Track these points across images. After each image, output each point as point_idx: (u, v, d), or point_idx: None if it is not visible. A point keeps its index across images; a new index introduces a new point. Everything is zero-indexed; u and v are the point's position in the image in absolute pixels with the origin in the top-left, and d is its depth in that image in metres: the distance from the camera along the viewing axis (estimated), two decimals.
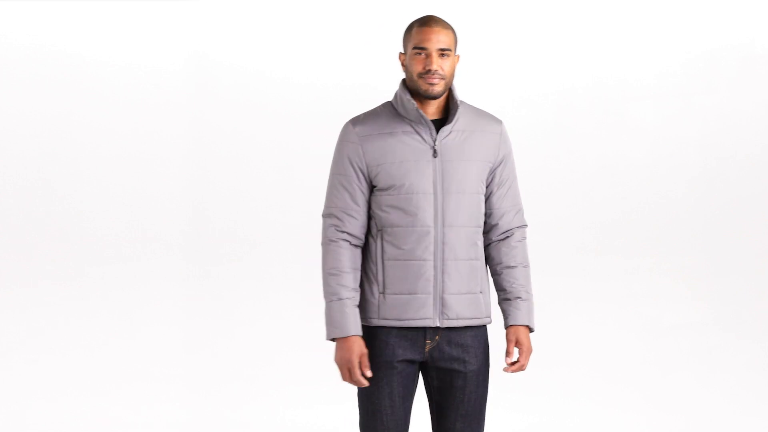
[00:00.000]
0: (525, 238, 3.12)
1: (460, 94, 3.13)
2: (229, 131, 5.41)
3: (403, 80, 3.06)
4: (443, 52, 2.99)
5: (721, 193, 5.51)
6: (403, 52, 3.05)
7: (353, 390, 3.11)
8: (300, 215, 5.39)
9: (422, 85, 2.99)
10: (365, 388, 3.00)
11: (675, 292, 5.47)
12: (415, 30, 3.01)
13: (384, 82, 4.21)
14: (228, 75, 5.40)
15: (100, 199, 5.35)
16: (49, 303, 5.32)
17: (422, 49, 2.98)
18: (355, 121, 3.05)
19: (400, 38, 3.14)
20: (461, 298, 3.01)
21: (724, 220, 5.51)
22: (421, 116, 3.00)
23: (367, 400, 3.03)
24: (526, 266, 3.09)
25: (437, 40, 2.98)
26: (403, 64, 3.05)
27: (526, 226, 3.13)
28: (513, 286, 3.06)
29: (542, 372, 5.31)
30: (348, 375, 2.97)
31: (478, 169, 3.06)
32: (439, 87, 2.99)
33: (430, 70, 2.97)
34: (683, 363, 5.40)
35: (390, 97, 3.12)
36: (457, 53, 3.03)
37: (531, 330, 3.08)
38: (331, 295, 2.98)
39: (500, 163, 3.13)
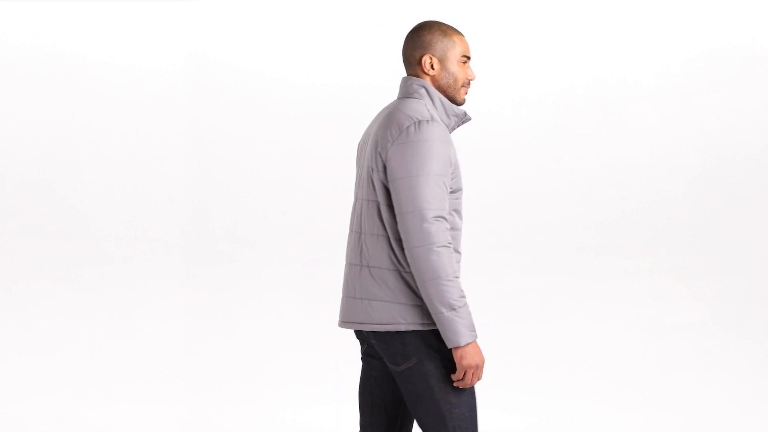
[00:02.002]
0: None
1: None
2: (229, 131, 5.41)
3: (431, 83, 3.01)
4: None
5: (721, 193, 5.51)
6: (434, 55, 3.00)
7: (353, 390, 3.11)
8: (300, 215, 5.40)
9: (462, 94, 3.03)
10: (472, 388, 2.99)
11: (675, 292, 5.47)
12: (457, 37, 3.01)
13: (384, 82, 4.21)
14: (228, 75, 5.40)
15: (100, 199, 5.36)
16: (48, 303, 5.33)
17: (469, 58, 3.03)
18: (439, 122, 2.95)
19: (399, 39, 3.12)
20: None
21: (724, 220, 5.51)
22: (461, 124, 3.06)
23: (472, 398, 3.00)
24: None
25: None
26: (432, 67, 3.00)
27: None
28: None
29: (542, 372, 5.33)
30: (478, 375, 2.94)
31: None
32: None
33: (471, 80, 3.03)
34: (683, 363, 5.41)
35: (389, 96, 3.11)
36: None
37: None
38: (462, 299, 2.87)
39: None
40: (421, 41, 3.00)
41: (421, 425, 2.97)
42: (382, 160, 2.91)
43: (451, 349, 2.91)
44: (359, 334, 3.05)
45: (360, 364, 3.17)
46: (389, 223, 2.92)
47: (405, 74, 3.07)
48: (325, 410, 5.18)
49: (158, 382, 5.26)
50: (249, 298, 5.40)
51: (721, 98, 5.50)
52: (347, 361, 4.40)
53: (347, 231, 3.06)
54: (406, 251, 2.87)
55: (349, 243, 3.02)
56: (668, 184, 5.51)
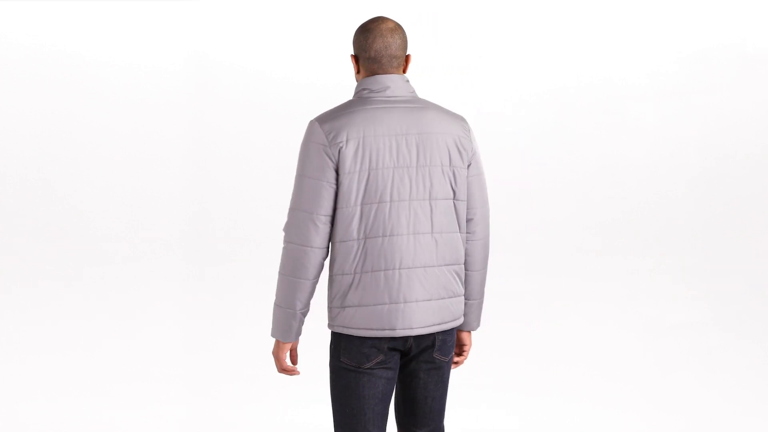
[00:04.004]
0: None
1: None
2: (229, 131, 5.41)
3: None
4: None
5: (721, 193, 5.51)
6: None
7: None
8: None
9: None
10: None
11: (675, 292, 5.47)
12: None
13: None
14: (228, 75, 5.40)
15: (100, 199, 5.35)
16: (48, 303, 5.32)
17: None
18: None
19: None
20: None
21: (724, 220, 5.51)
22: None
23: None
24: None
25: None
26: None
27: None
28: None
29: (542, 372, 5.33)
30: None
31: None
32: None
33: None
34: (683, 363, 5.40)
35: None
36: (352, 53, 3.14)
37: None
38: None
39: None
40: (405, 41, 3.07)
41: (435, 414, 3.05)
42: (468, 157, 2.98)
43: (467, 332, 3.16)
44: (403, 340, 3.01)
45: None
46: (462, 219, 2.99)
47: (388, 71, 3.03)
48: (325, 410, 5.17)
49: (158, 382, 5.26)
50: (249, 298, 5.39)
51: (721, 98, 5.49)
52: None
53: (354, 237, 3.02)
54: (479, 242, 3.03)
55: (395, 246, 2.92)
56: (668, 184, 5.51)
